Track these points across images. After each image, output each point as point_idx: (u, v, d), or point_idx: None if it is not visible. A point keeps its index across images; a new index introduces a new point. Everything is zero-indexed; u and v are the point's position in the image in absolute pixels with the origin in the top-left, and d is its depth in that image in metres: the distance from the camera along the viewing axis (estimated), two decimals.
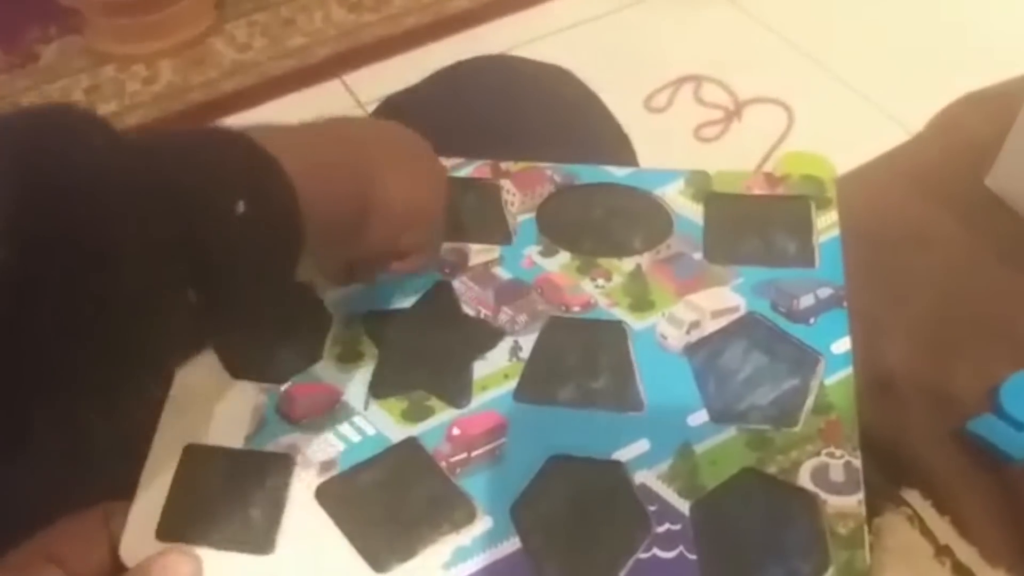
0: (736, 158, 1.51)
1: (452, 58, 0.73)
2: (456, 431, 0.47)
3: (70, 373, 0.35)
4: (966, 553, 0.49)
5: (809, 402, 0.47)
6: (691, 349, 0.49)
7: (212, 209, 0.38)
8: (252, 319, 0.45)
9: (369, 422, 0.47)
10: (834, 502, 0.43)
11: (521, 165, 0.58)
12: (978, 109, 0.71)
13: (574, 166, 0.58)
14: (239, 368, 0.49)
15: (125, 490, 0.45)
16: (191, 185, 0.38)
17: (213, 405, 0.48)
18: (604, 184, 0.57)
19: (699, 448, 0.45)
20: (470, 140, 0.63)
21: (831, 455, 0.45)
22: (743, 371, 0.48)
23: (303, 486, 0.45)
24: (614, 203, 0.57)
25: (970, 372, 0.55)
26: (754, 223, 0.55)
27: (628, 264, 0.53)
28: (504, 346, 0.50)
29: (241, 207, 0.38)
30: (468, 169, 0.58)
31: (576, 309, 0.51)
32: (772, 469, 0.45)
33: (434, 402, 0.48)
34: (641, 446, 0.46)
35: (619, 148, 0.72)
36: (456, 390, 0.48)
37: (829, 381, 0.47)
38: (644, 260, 0.53)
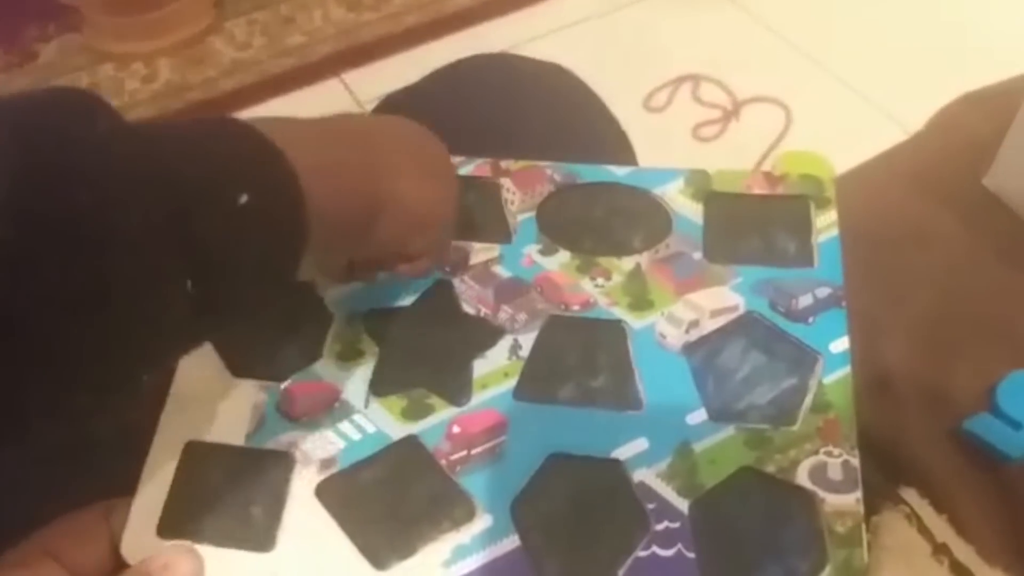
0: (734, 157, 1.52)
1: (452, 57, 0.73)
2: (456, 429, 0.47)
3: (62, 356, 0.34)
4: (963, 551, 0.49)
5: (807, 401, 0.47)
6: (690, 348, 0.49)
7: (213, 200, 0.38)
8: (251, 314, 0.44)
9: (369, 420, 0.47)
10: (832, 501, 0.43)
11: (521, 164, 0.58)
12: (977, 108, 0.71)
13: (574, 165, 0.58)
14: (240, 366, 0.49)
15: (126, 487, 0.45)
16: (193, 174, 0.37)
17: (214, 403, 0.48)
18: (604, 183, 0.57)
19: (698, 447, 0.46)
20: (469, 139, 0.63)
21: (829, 454, 0.45)
22: (742, 370, 0.49)
23: (303, 484, 0.45)
24: (614, 202, 0.57)
25: (968, 371, 0.55)
26: (753, 223, 0.55)
27: (628, 263, 0.53)
28: (504, 345, 0.50)
29: (243, 199, 0.38)
30: (468, 167, 0.58)
31: (576, 308, 0.51)
32: (770, 468, 0.45)
33: (434, 400, 0.48)
34: (640, 445, 0.46)
35: (619, 147, 0.72)
36: (456, 388, 0.48)
37: (827, 380, 0.47)
38: (643, 259, 0.53)
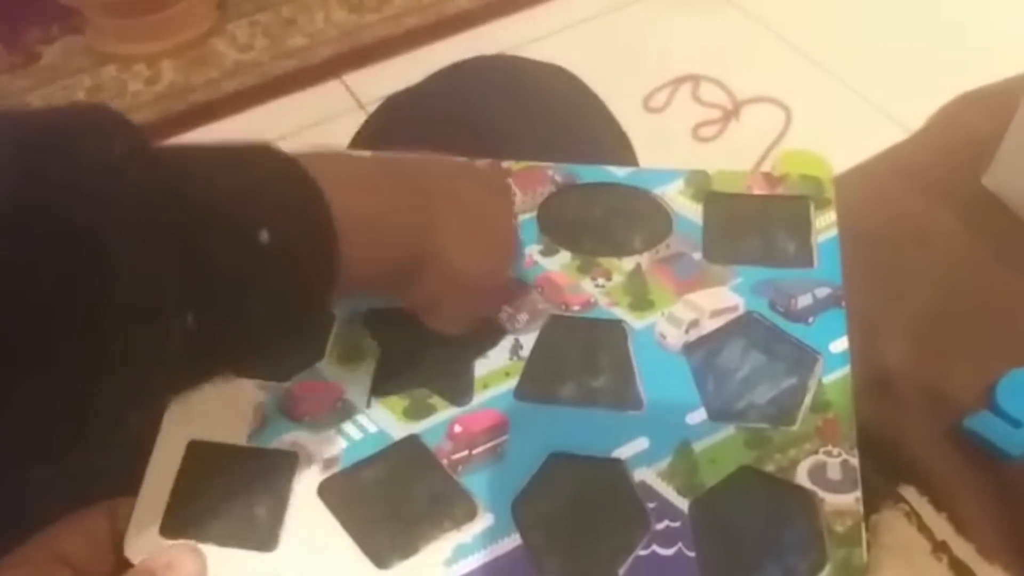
0: (734, 157, 1.52)
1: (453, 58, 0.73)
2: (457, 429, 0.47)
3: (44, 379, 0.33)
4: (963, 549, 0.49)
5: (807, 401, 0.47)
6: (690, 348, 0.50)
7: (228, 233, 0.36)
8: (257, 357, 0.43)
9: (371, 420, 0.48)
10: (831, 500, 0.43)
11: (522, 164, 0.58)
12: (976, 107, 0.71)
13: (575, 166, 0.58)
14: (242, 366, 0.50)
15: (129, 487, 0.45)
16: (210, 204, 0.36)
17: (216, 403, 0.48)
18: (604, 184, 0.58)
19: (698, 446, 0.46)
20: (470, 140, 0.63)
21: (829, 453, 0.45)
22: (742, 370, 0.49)
23: (306, 483, 0.45)
24: (614, 203, 0.57)
25: (967, 369, 0.55)
26: (753, 223, 0.55)
27: (628, 263, 0.53)
28: (505, 344, 0.50)
29: (265, 236, 0.36)
30: None
31: (576, 308, 0.52)
32: (770, 467, 0.45)
33: (436, 400, 0.48)
34: (640, 444, 0.46)
35: (619, 148, 0.72)
36: (457, 388, 0.49)
37: (827, 380, 0.48)
38: (644, 259, 0.53)
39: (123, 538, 0.43)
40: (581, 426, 0.47)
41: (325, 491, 0.45)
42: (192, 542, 0.43)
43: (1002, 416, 0.52)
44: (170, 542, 0.43)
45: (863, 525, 0.43)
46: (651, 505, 0.44)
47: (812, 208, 0.55)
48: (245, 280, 0.37)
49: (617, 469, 0.45)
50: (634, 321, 0.51)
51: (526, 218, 0.56)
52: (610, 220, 0.56)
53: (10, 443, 0.34)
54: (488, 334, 0.51)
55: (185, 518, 0.44)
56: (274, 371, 0.49)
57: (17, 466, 0.37)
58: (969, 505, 0.50)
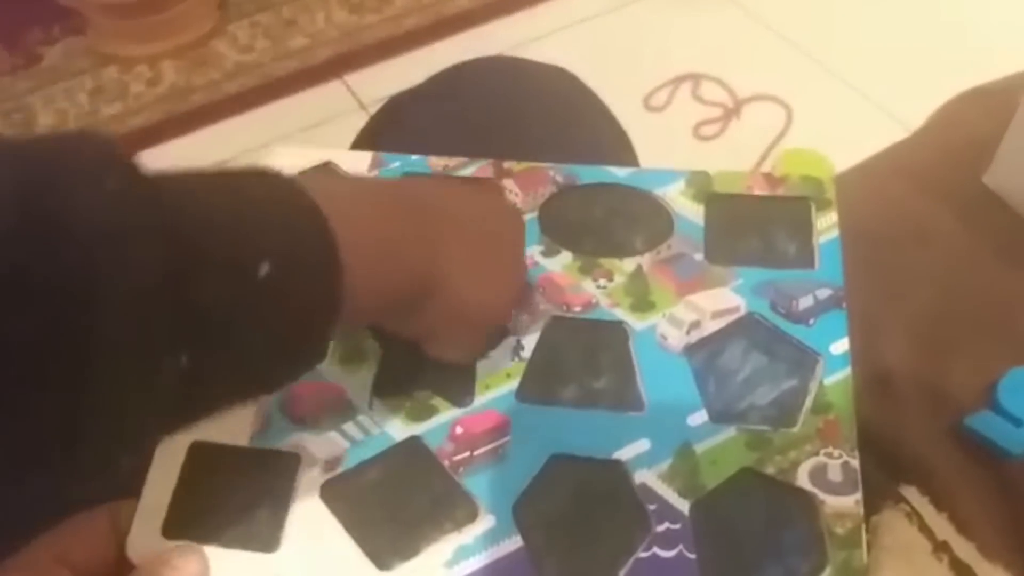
0: (735, 156, 1.52)
1: (453, 58, 0.74)
2: (459, 430, 0.47)
3: (23, 426, 0.32)
4: (964, 549, 0.49)
5: (808, 402, 0.47)
6: (691, 349, 0.50)
7: (228, 269, 0.35)
8: (254, 396, 0.41)
9: (373, 421, 0.48)
10: (832, 502, 0.44)
11: (523, 165, 0.58)
12: (977, 106, 0.71)
13: (576, 166, 0.58)
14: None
15: (131, 488, 0.45)
16: (210, 240, 0.34)
17: None
18: (605, 184, 0.58)
19: (699, 448, 0.46)
20: (472, 140, 0.63)
21: (829, 455, 0.45)
22: (742, 371, 0.49)
23: (307, 484, 0.45)
24: (615, 203, 0.57)
25: (968, 368, 0.55)
26: (754, 224, 0.55)
27: (629, 264, 0.53)
28: (506, 345, 0.50)
29: (265, 270, 0.35)
30: (471, 169, 0.59)
31: (577, 309, 0.52)
32: (771, 469, 0.45)
33: (437, 401, 0.48)
34: (641, 446, 0.46)
35: (620, 148, 0.72)
36: (459, 389, 0.49)
37: (828, 382, 0.48)
38: (645, 260, 0.54)
39: (125, 539, 0.43)
40: (582, 427, 0.47)
41: (327, 492, 0.45)
42: (194, 543, 0.43)
43: (1003, 415, 0.52)
44: (172, 543, 0.43)
45: (863, 527, 0.43)
46: (652, 507, 0.44)
47: (813, 209, 0.55)
48: (242, 317, 0.35)
49: (618, 471, 0.45)
50: (635, 322, 0.51)
51: (527, 218, 0.56)
52: (611, 221, 0.56)
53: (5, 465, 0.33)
54: (489, 335, 0.51)
55: (187, 519, 0.44)
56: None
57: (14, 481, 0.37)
58: (970, 504, 0.50)
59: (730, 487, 0.45)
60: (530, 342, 0.50)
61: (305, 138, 1.59)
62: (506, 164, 0.59)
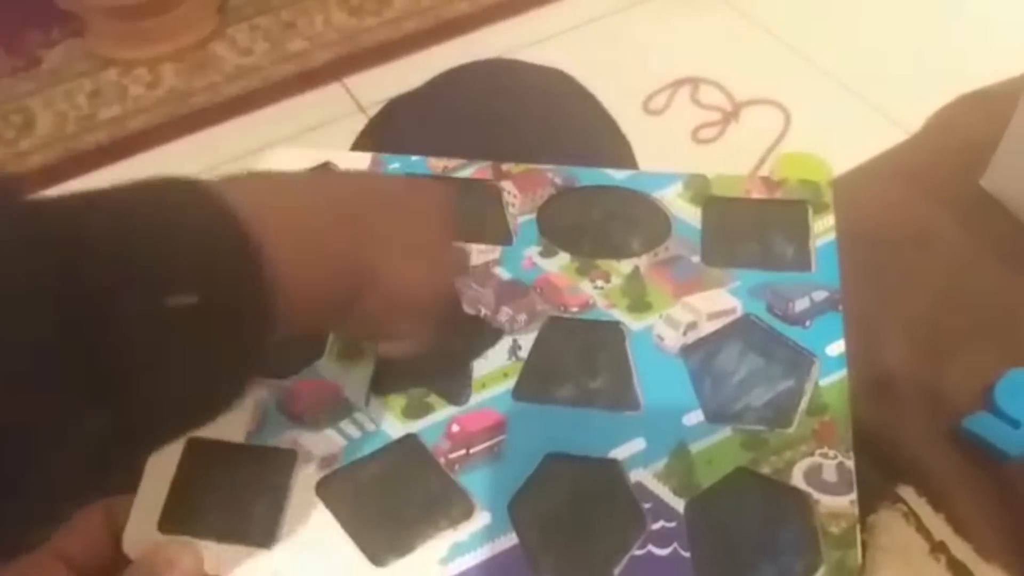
0: (734, 160, 1.52)
1: (452, 62, 0.74)
2: (455, 428, 0.47)
3: None
4: (961, 550, 0.49)
5: (803, 403, 0.47)
6: (687, 350, 0.50)
7: (130, 302, 0.31)
8: (193, 428, 0.38)
9: (370, 418, 0.48)
10: (827, 502, 0.44)
11: (522, 167, 0.59)
12: (974, 109, 0.71)
13: (574, 168, 0.58)
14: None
15: (128, 484, 0.45)
16: (115, 275, 0.30)
17: None
18: (603, 187, 0.58)
19: (694, 448, 0.46)
20: (471, 142, 0.63)
21: (824, 456, 0.45)
22: (738, 372, 0.49)
23: (304, 481, 0.46)
24: (613, 206, 0.57)
25: (965, 370, 0.55)
26: (751, 227, 0.55)
27: (626, 266, 0.54)
28: (503, 345, 0.50)
29: (182, 299, 0.31)
30: (470, 170, 0.59)
31: (575, 309, 0.52)
32: (766, 469, 0.45)
33: (434, 399, 0.48)
34: (637, 445, 0.46)
35: (618, 150, 0.72)
36: (456, 388, 0.49)
37: (823, 383, 0.48)
38: (642, 262, 0.54)
39: (121, 534, 0.43)
40: (578, 426, 0.47)
41: (323, 489, 0.45)
42: (190, 538, 0.43)
43: (1001, 416, 0.53)
44: (168, 538, 0.43)
45: (858, 527, 0.43)
46: (647, 505, 0.44)
47: (810, 212, 0.55)
48: (159, 354, 0.32)
49: (614, 469, 0.45)
50: (632, 323, 0.51)
51: (526, 220, 0.56)
52: (609, 223, 0.56)
53: None
54: (487, 335, 0.51)
55: (184, 515, 0.44)
56: (274, 367, 0.50)
57: None
58: (967, 505, 0.50)
59: (725, 486, 0.45)
60: (527, 342, 0.51)
61: (304, 141, 1.59)
62: (505, 166, 0.59)
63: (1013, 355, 0.55)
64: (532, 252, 0.55)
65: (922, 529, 0.50)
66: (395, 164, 0.59)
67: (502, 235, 0.56)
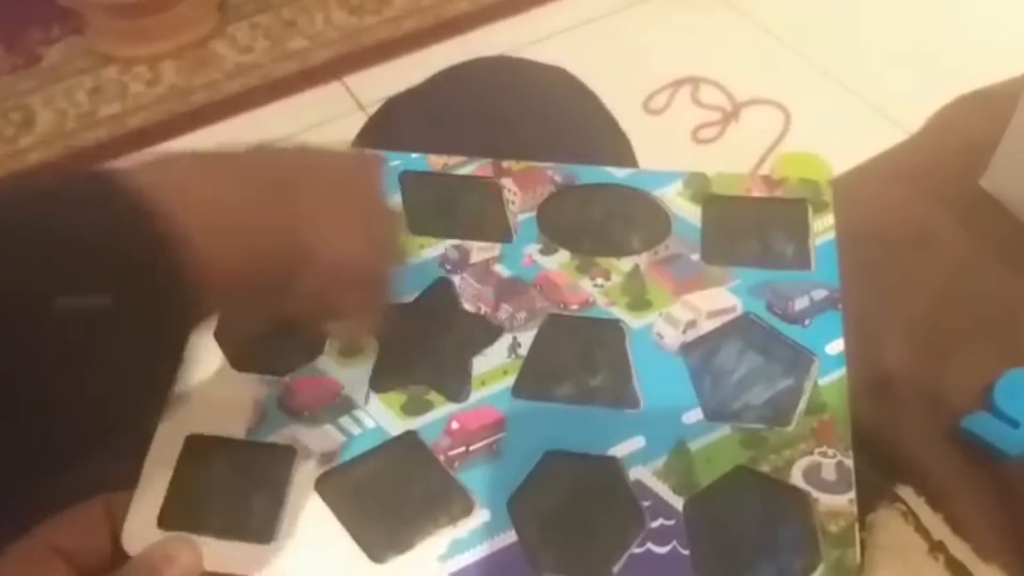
0: (733, 159, 1.52)
1: (453, 60, 0.74)
2: (455, 425, 0.47)
3: None
4: (960, 549, 0.49)
5: (803, 402, 0.47)
6: (687, 348, 0.50)
7: (28, 312, 0.29)
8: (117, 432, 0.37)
9: (369, 415, 0.48)
10: (826, 500, 0.44)
11: (523, 165, 0.59)
12: (974, 109, 0.71)
13: (575, 166, 0.58)
14: (242, 360, 0.50)
15: (127, 480, 0.45)
16: (7, 275, 0.29)
17: (216, 396, 0.48)
18: (604, 185, 0.58)
19: (694, 446, 0.46)
20: (471, 140, 0.63)
21: (824, 454, 0.45)
22: (738, 371, 0.49)
23: (303, 477, 0.46)
24: (613, 204, 0.57)
25: (965, 370, 0.55)
26: (751, 226, 0.55)
27: (626, 264, 0.54)
28: (503, 342, 0.50)
29: (86, 299, 0.30)
30: (470, 167, 0.59)
31: (575, 307, 0.52)
32: (765, 467, 0.45)
33: (433, 396, 0.48)
34: (637, 443, 0.46)
35: (619, 149, 0.72)
36: (455, 385, 0.49)
37: (823, 382, 0.48)
38: (642, 260, 0.54)
39: (121, 530, 0.43)
40: (578, 424, 0.47)
41: (322, 485, 0.45)
42: (189, 534, 0.43)
43: (1000, 416, 0.53)
44: (168, 534, 0.43)
45: (856, 526, 0.43)
46: (646, 503, 0.44)
47: (810, 211, 0.55)
48: (66, 358, 0.30)
49: (613, 467, 0.46)
50: (632, 321, 0.51)
51: (526, 217, 0.56)
52: (609, 221, 0.56)
53: None
54: (487, 332, 0.51)
55: (183, 510, 0.44)
56: (274, 363, 0.50)
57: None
58: (966, 505, 0.51)
59: (724, 484, 0.45)
60: (527, 339, 0.51)
61: (304, 139, 1.59)
62: (505, 163, 0.59)
63: (1012, 355, 0.55)
64: (532, 249, 0.55)
65: (921, 528, 0.50)
66: (396, 161, 0.59)
67: (502, 232, 0.56)
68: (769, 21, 1.79)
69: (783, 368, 0.49)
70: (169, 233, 0.34)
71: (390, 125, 0.72)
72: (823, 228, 0.54)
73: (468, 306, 0.52)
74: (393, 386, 0.49)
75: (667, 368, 0.49)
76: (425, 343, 0.51)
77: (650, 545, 0.43)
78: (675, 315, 0.51)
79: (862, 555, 0.43)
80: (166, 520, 0.44)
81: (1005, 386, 0.54)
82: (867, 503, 0.47)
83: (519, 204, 0.57)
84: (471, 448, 0.46)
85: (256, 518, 0.44)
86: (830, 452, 0.45)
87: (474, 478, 0.45)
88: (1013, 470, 0.52)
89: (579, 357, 0.50)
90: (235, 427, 0.47)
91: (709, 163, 0.59)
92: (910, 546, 0.49)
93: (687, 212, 0.56)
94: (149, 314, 0.33)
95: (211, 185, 0.39)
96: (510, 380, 0.49)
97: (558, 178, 0.58)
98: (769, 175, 0.58)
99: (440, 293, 0.53)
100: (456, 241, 0.55)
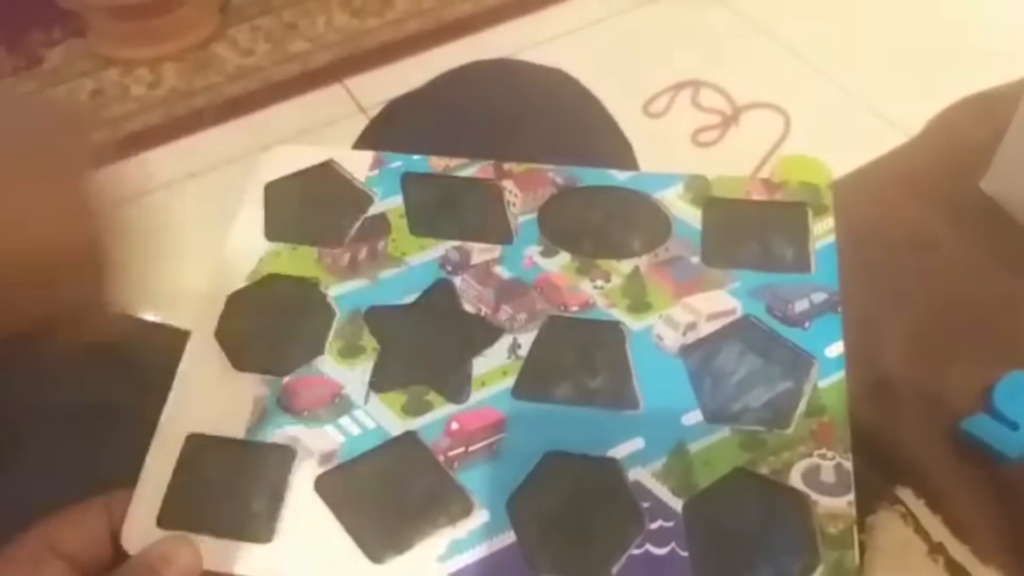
0: (734, 162, 1.52)
1: (454, 62, 0.74)
2: (455, 426, 0.47)
3: None
4: (959, 551, 0.49)
5: (802, 404, 0.47)
6: (687, 350, 0.50)
7: None
8: None
9: (369, 415, 0.48)
10: (825, 503, 0.44)
11: (524, 167, 0.59)
12: (975, 112, 0.72)
13: (576, 168, 0.58)
14: (242, 360, 0.50)
15: (127, 478, 0.45)
16: None
17: (216, 396, 0.48)
18: (604, 187, 0.58)
19: (693, 447, 0.46)
20: (472, 142, 0.63)
21: (823, 457, 0.45)
22: (737, 373, 0.49)
23: (303, 477, 0.46)
24: (614, 206, 0.57)
25: (965, 372, 0.56)
26: (751, 228, 0.55)
27: (627, 266, 0.54)
28: (503, 344, 0.50)
29: None
30: (471, 169, 0.59)
31: (575, 309, 0.52)
32: (764, 469, 0.45)
33: (433, 397, 0.48)
34: (636, 444, 0.46)
35: (619, 151, 0.72)
36: (455, 386, 0.49)
37: (822, 384, 0.48)
38: (642, 262, 0.54)
39: (120, 530, 0.43)
40: (577, 425, 0.47)
41: (322, 485, 0.45)
42: (188, 534, 0.43)
43: (999, 418, 0.53)
44: (167, 533, 0.43)
45: (855, 528, 0.43)
46: (645, 505, 0.44)
47: (810, 214, 0.55)
48: None
49: (612, 468, 0.46)
50: (632, 323, 0.51)
51: (526, 219, 0.56)
52: (609, 223, 0.56)
53: None
54: (487, 333, 0.51)
55: (183, 510, 0.44)
56: (274, 363, 0.50)
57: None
58: (966, 507, 0.51)
59: (723, 486, 0.45)
60: (527, 340, 0.51)
61: (305, 141, 1.59)
62: (506, 165, 0.59)
63: (1012, 357, 0.56)
64: (533, 251, 0.55)
65: (920, 530, 0.50)
66: (397, 163, 0.59)
67: (503, 234, 0.56)
68: (769, 25, 1.79)
69: (783, 370, 0.49)
70: None
71: (391, 127, 0.72)
72: (823, 231, 0.54)
73: (468, 307, 0.52)
74: (393, 386, 0.49)
75: (667, 370, 0.49)
76: (425, 344, 0.51)
77: (649, 546, 0.43)
78: (675, 317, 0.51)
79: (861, 557, 0.43)
80: (166, 520, 0.44)
81: (1005, 388, 0.54)
82: (866, 505, 0.48)
83: (520, 206, 0.57)
84: (471, 449, 0.46)
85: (255, 518, 0.44)
86: (829, 454, 0.45)
87: (473, 479, 0.45)
88: (1012, 472, 0.52)
89: (579, 358, 0.50)
90: (235, 427, 0.47)
91: (709, 166, 0.59)
92: (909, 548, 0.49)
93: (687, 215, 0.56)
94: None
95: None
96: (510, 381, 0.49)
97: (559, 180, 0.58)
98: (769, 178, 0.58)
99: (440, 294, 0.53)
100: (457, 243, 0.55)
